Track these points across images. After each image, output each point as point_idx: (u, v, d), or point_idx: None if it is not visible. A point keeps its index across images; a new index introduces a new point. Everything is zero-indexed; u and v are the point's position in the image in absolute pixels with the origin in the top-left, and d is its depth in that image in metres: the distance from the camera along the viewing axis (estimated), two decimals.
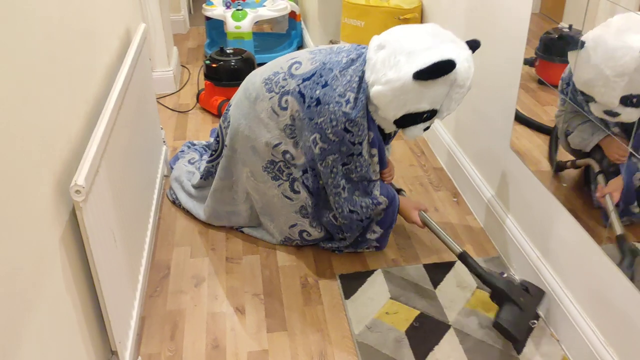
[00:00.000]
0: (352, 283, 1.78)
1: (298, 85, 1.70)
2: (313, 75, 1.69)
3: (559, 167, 1.57)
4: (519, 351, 1.54)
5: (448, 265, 1.85)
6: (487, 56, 1.97)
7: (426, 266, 1.85)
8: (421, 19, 2.63)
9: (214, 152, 2.00)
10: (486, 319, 1.65)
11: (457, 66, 1.52)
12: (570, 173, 1.57)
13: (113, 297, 1.31)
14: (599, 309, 1.42)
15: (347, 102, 1.63)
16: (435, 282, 1.78)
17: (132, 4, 2.22)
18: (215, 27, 3.77)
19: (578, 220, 1.49)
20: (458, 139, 2.32)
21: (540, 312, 1.66)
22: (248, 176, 1.89)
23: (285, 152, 1.79)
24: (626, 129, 1.29)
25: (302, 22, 3.88)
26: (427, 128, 1.71)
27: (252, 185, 1.90)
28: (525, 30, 1.68)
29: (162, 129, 2.38)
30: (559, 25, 1.58)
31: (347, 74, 1.66)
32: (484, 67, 2.00)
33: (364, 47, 1.73)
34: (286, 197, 1.85)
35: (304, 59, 1.75)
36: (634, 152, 1.26)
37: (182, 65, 3.55)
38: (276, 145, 1.79)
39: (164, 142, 2.37)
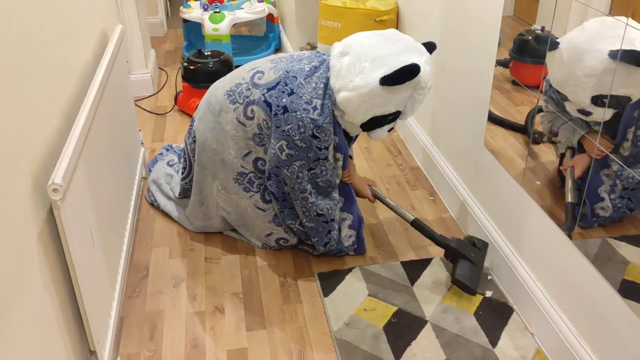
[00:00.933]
0: (330, 281, 1.80)
1: (263, 94, 1.71)
2: (278, 84, 1.70)
3: (535, 141, 1.63)
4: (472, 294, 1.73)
5: (425, 262, 1.88)
6: (461, 57, 2.00)
7: (403, 263, 1.87)
8: (397, 21, 2.67)
9: (184, 170, 2.01)
10: (462, 314, 1.68)
11: (421, 70, 1.59)
12: (546, 171, 1.61)
13: (91, 297, 1.31)
14: (570, 302, 1.46)
15: (314, 108, 1.65)
16: (413, 279, 1.81)
17: (109, 5, 2.22)
18: (193, 29, 3.77)
19: (550, 217, 1.53)
20: (434, 138, 2.35)
21: (515, 306, 1.70)
22: (219, 189, 1.89)
23: (256, 160, 1.80)
24: (608, 125, 1.33)
25: (280, 25, 3.90)
26: (391, 129, 1.77)
27: (223, 198, 1.89)
28: (497, 32, 1.72)
29: (140, 130, 2.37)
30: (532, 27, 1.62)
31: (312, 81, 1.68)
32: (459, 68, 2.04)
33: (324, 54, 1.77)
34: (258, 208, 1.86)
35: (266, 68, 1.75)
36: (609, 153, 1.30)
37: (160, 68, 3.54)
38: (246, 155, 1.79)
39: (142, 144, 2.37)
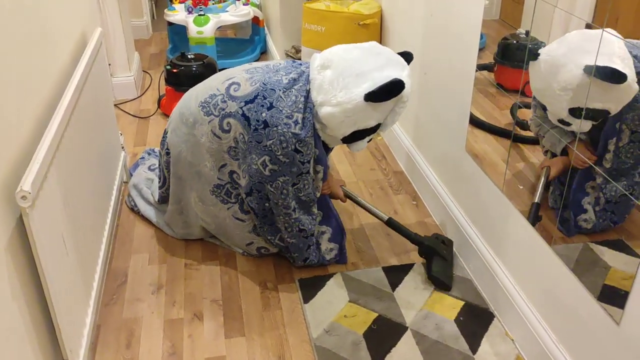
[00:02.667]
0: (311, 287, 1.78)
1: (241, 107, 1.67)
2: (256, 97, 1.66)
3: (521, 126, 1.63)
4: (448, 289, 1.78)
5: (406, 268, 1.87)
6: (443, 61, 2.00)
7: (385, 269, 1.86)
8: (381, 24, 2.66)
9: (159, 179, 1.98)
10: (443, 320, 1.67)
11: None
12: (529, 175, 1.61)
13: (64, 305, 1.29)
14: (550, 308, 1.45)
15: (296, 122, 1.63)
16: (394, 285, 1.80)
17: (89, 8, 2.19)
18: (178, 32, 3.74)
19: (530, 222, 1.52)
20: (417, 143, 2.34)
21: (496, 312, 1.69)
22: (196, 201, 1.86)
23: (232, 173, 1.77)
24: (592, 136, 1.32)
25: (266, 28, 3.88)
26: (370, 140, 1.76)
27: (201, 209, 1.87)
28: (478, 35, 1.71)
29: (121, 134, 2.35)
30: (517, 31, 1.62)
31: (292, 94, 1.65)
32: (441, 72, 2.03)
33: (301, 64, 1.74)
34: (237, 219, 1.83)
35: (242, 80, 1.72)
36: (592, 164, 1.30)
37: (144, 71, 3.52)
38: (222, 167, 1.76)
39: (123, 148, 2.34)
